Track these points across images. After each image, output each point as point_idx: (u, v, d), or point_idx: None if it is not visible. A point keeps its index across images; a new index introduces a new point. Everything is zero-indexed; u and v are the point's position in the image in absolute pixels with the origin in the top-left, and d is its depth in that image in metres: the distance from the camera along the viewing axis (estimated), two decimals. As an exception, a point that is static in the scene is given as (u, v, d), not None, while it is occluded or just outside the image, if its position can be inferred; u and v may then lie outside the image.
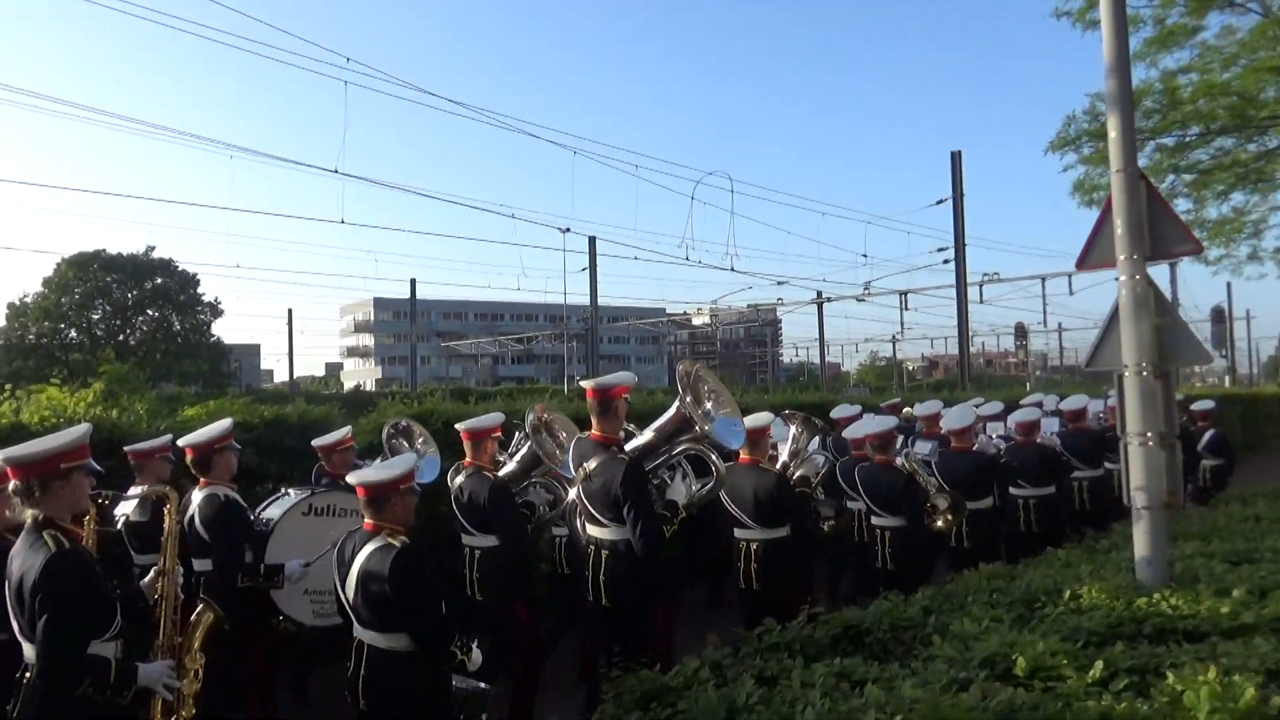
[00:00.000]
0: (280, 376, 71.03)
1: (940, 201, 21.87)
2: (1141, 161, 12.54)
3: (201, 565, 5.02)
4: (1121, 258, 4.47)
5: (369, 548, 3.78)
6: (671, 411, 5.21)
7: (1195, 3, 10.94)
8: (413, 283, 34.81)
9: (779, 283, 32.08)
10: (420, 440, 6.94)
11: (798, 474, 6.78)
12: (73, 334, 49.12)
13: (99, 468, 3.59)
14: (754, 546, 5.88)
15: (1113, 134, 4.51)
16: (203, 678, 3.64)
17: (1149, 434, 4.33)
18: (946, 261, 23.02)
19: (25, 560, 3.20)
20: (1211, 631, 3.39)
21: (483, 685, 3.93)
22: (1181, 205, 12.87)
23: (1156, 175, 12.39)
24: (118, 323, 49.58)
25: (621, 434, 5.22)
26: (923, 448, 7.98)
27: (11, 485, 3.32)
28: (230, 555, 4.92)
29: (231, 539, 4.95)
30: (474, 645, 3.89)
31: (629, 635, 4.91)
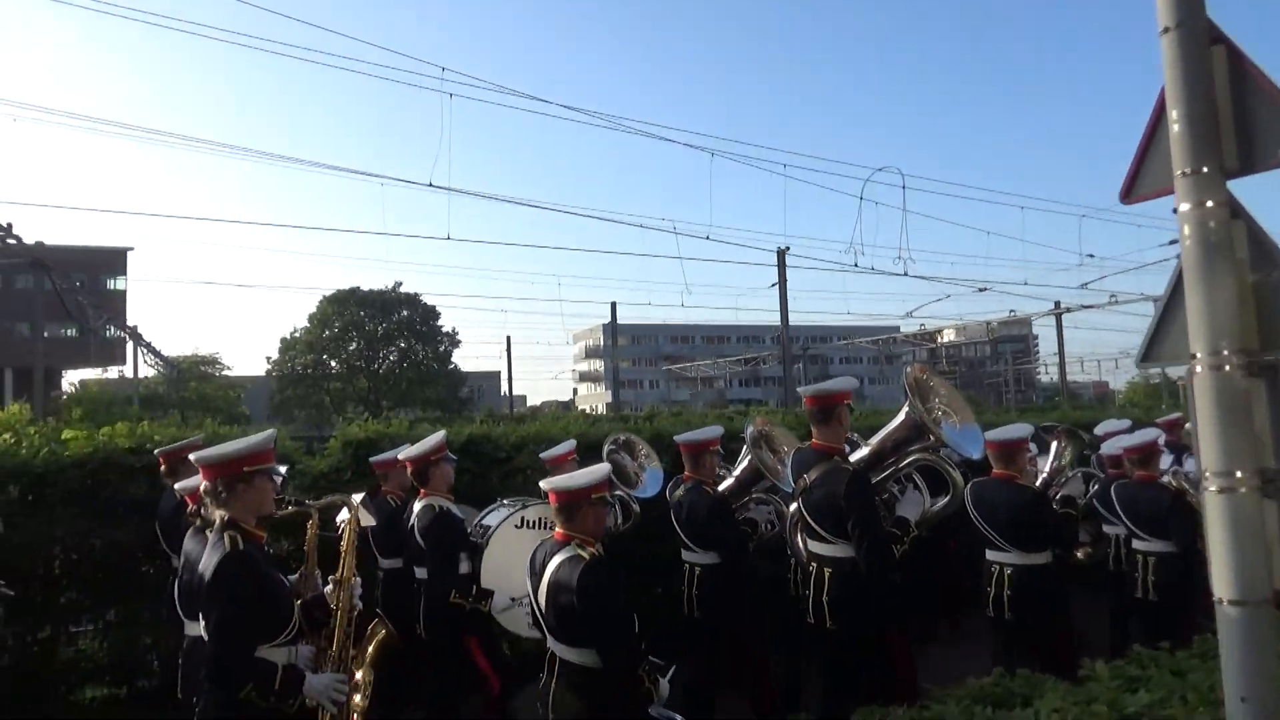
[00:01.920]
0: (531, 401, 75.21)
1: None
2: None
3: (421, 573, 5.29)
4: (1180, 172, 2.69)
5: (558, 558, 3.73)
6: (900, 418, 4.95)
7: None
8: (613, 306, 36.14)
9: (981, 289, 29.03)
10: (643, 454, 7.07)
11: (1060, 494, 6.29)
12: (333, 365, 54.73)
13: (283, 471, 3.78)
14: (1008, 571, 5.46)
15: None
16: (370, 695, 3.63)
17: (1238, 473, 2.58)
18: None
19: (207, 559, 3.36)
20: None
21: (677, 718, 3.78)
22: None
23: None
24: (369, 354, 54.75)
25: (845, 444, 5.04)
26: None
27: (202, 486, 3.52)
28: (443, 565, 5.13)
29: (445, 549, 5.16)
30: (663, 678, 3.75)
31: (861, 663, 4.70)
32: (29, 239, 19.58)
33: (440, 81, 33.63)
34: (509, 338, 45.74)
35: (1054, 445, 6.47)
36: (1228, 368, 2.62)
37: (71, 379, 51.16)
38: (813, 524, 4.80)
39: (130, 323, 37.37)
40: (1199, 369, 2.65)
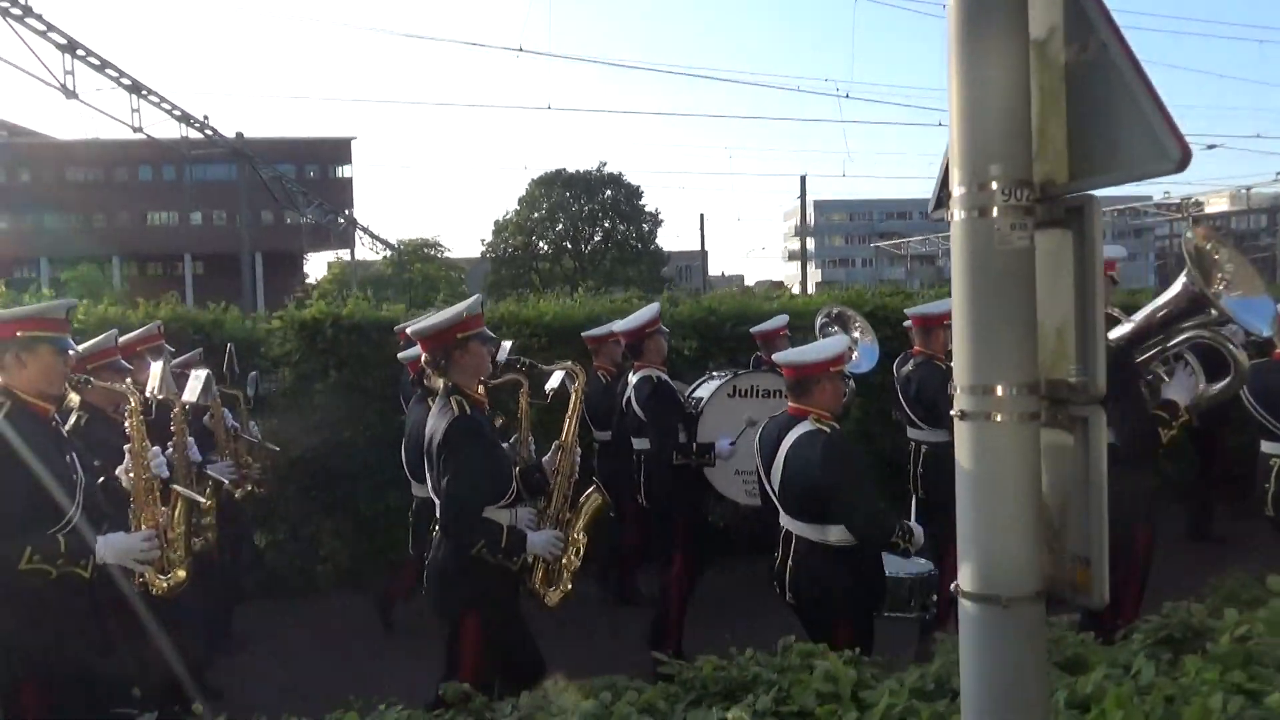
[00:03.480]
0: (748, 281, 74.78)
1: None
2: None
3: (640, 444, 5.41)
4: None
5: (795, 433, 3.69)
6: (1175, 290, 4.36)
7: None
8: (802, 180, 34.38)
9: (1210, 146, 23.74)
10: (857, 328, 6.78)
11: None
12: (541, 245, 56.69)
13: (492, 334, 3.84)
14: None
15: None
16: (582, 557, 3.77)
17: (1000, 390, 1.56)
18: None
19: (435, 423, 3.52)
20: None
21: (925, 563, 3.79)
22: None
23: None
24: (575, 234, 56.28)
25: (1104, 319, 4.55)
26: None
27: (423, 358, 3.66)
28: (664, 434, 5.21)
29: (664, 419, 5.24)
30: (912, 530, 3.69)
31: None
32: (256, 130, 20.92)
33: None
34: (702, 215, 46.20)
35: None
36: (997, 210, 1.53)
37: (314, 262, 56.42)
38: None
39: (357, 208, 40.18)
40: (955, 214, 1.58)
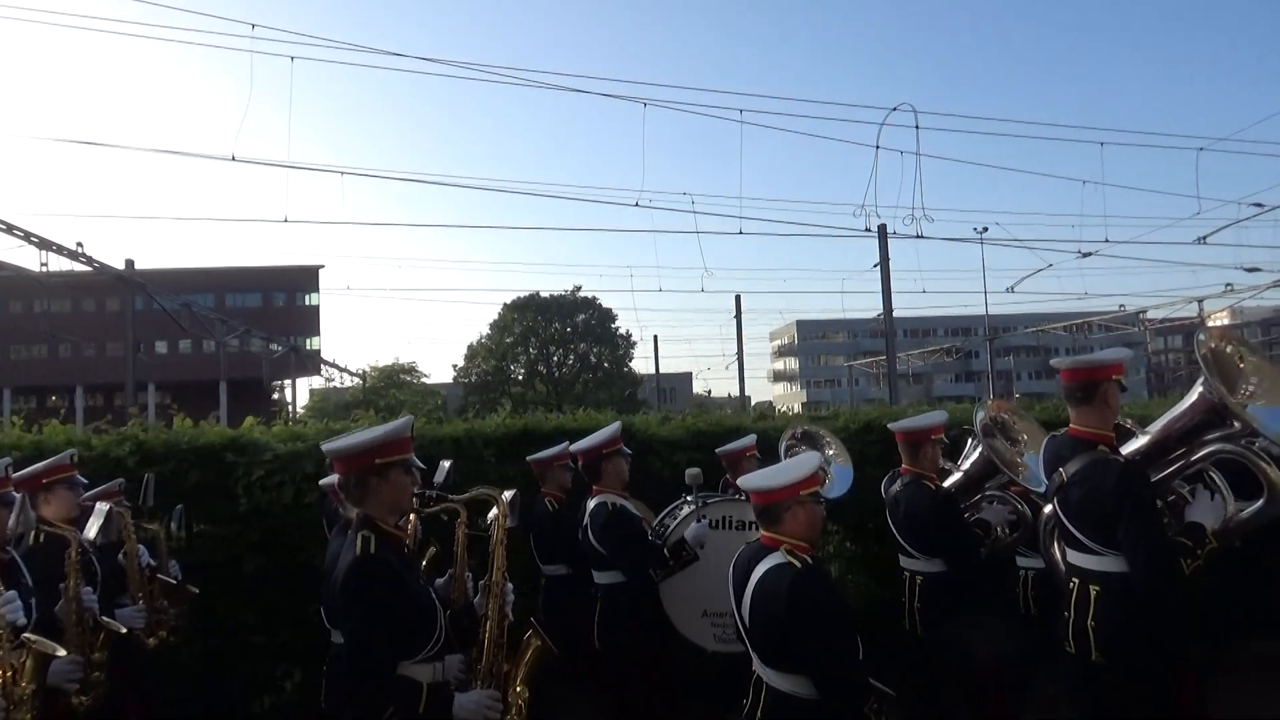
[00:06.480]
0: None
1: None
2: None
3: (601, 578, 5.02)
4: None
5: (765, 565, 3.32)
6: (1191, 399, 4.01)
7: None
8: (737, 299, 34.41)
9: (1083, 254, 22.61)
10: (830, 449, 6.44)
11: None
12: (514, 369, 56.90)
13: (422, 465, 3.43)
14: None
15: None
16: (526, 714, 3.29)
17: None
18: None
19: (340, 563, 3.14)
20: None
21: None
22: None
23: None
24: (545, 357, 56.65)
25: (1113, 430, 4.17)
26: None
27: (337, 480, 3.32)
28: (633, 559, 4.88)
29: (625, 547, 4.90)
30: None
31: (1134, 703, 3.82)
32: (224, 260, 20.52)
33: (252, 41, 26.86)
34: (656, 336, 47.22)
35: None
36: None
37: (283, 389, 56.52)
38: (1072, 530, 3.97)
39: (326, 335, 40.84)
40: None
